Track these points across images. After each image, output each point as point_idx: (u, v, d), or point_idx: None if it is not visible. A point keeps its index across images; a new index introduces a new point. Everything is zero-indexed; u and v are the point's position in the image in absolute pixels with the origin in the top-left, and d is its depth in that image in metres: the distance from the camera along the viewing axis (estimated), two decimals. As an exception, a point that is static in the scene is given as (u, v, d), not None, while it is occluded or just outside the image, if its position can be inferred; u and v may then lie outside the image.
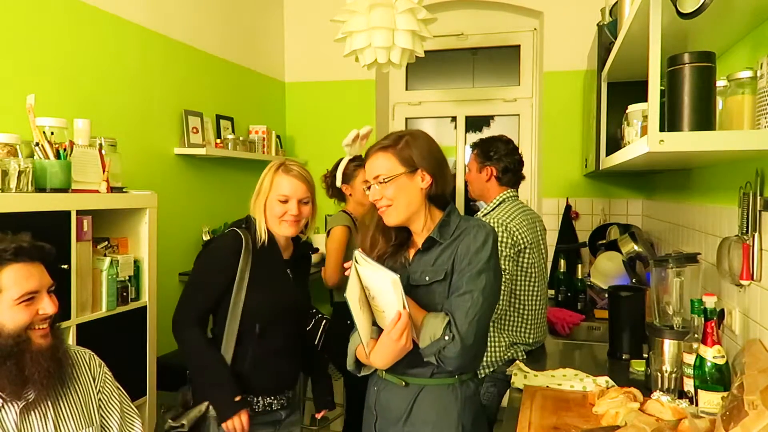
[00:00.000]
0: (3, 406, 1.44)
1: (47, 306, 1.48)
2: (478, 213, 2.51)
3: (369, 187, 1.68)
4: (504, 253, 2.29)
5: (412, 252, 1.70)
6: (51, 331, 1.51)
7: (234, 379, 1.94)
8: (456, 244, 1.63)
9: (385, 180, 1.62)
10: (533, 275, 2.40)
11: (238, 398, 1.92)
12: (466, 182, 2.67)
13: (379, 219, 1.69)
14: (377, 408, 1.73)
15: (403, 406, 1.65)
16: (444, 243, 1.64)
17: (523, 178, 2.59)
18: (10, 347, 1.42)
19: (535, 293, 2.41)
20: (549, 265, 3.64)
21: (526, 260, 2.37)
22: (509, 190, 2.49)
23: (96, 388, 1.65)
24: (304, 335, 2.16)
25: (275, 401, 2.03)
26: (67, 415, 1.56)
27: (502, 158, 2.47)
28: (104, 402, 1.67)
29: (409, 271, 1.66)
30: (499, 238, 2.30)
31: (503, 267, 2.26)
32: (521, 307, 2.39)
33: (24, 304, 1.44)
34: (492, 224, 2.32)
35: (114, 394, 1.70)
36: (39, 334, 1.47)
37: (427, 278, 1.63)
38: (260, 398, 2.01)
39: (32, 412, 1.49)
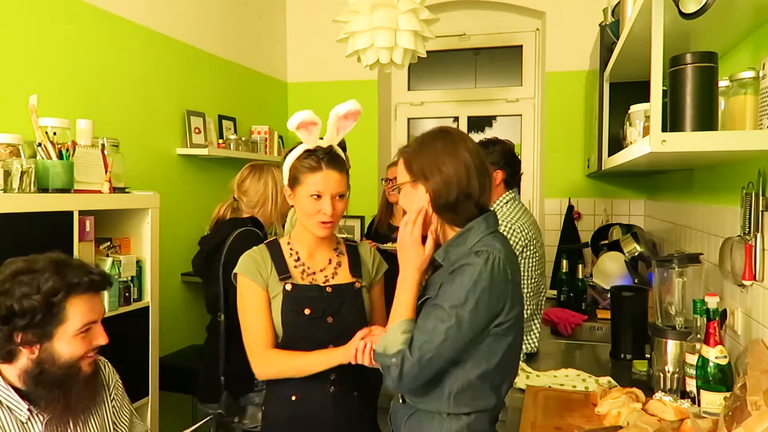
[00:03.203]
0: (30, 419, 1.44)
1: (101, 338, 1.50)
2: None
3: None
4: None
5: None
6: (95, 358, 1.53)
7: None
8: (454, 271, 1.44)
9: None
10: (528, 277, 2.41)
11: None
12: None
13: None
14: (391, 419, 1.69)
15: (400, 424, 1.60)
16: (445, 265, 1.49)
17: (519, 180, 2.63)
18: (61, 375, 1.43)
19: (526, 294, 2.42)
20: (551, 265, 3.65)
21: (526, 260, 2.38)
22: (508, 193, 2.50)
23: (110, 396, 1.64)
24: None
25: None
26: (89, 428, 1.55)
27: (508, 163, 2.49)
28: (116, 410, 1.66)
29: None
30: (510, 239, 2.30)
31: None
32: None
33: (81, 336, 1.44)
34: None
35: (124, 402, 1.70)
36: (87, 362, 1.49)
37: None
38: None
39: (57, 426, 1.48)
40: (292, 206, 1.82)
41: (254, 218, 2.43)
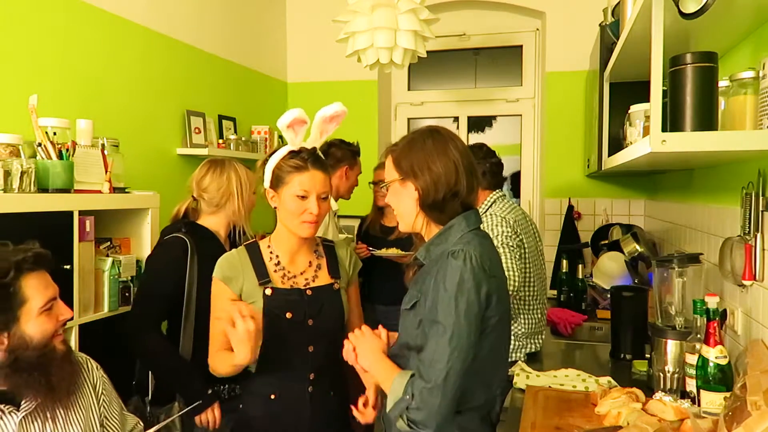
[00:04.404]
0: (2, 417, 1.40)
1: (65, 311, 1.47)
2: None
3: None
4: (509, 243, 2.30)
5: None
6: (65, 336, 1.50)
7: (201, 375, 1.96)
8: (435, 269, 1.45)
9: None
10: (530, 273, 2.40)
11: (209, 391, 1.99)
12: None
13: None
14: (384, 419, 1.71)
15: (393, 423, 1.55)
16: (427, 264, 1.50)
17: (504, 179, 2.61)
18: (36, 358, 1.40)
19: (533, 293, 2.41)
20: (551, 265, 3.64)
21: (525, 256, 2.38)
22: (496, 192, 2.50)
23: (97, 393, 1.62)
24: None
25: (238, 386, 2.02)
26: (70, 424, 1.51)
27: (479, 162, 2.48)
28: (106, 405, 1.63)
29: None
30: (502, 230, 2.30)
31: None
32: (519, 309, 2.39)
33: (46, 313, 1.42)
34: (490, 218, 2.34)
35: (113, 397, 1.67)
36: (59, 340, 1.46)
37: (406, 304, 1.54)
38: (226, 385, 2.07)
39: (33, 424, 1.44)
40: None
41: (193, 223, 2.19)
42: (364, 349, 1.55)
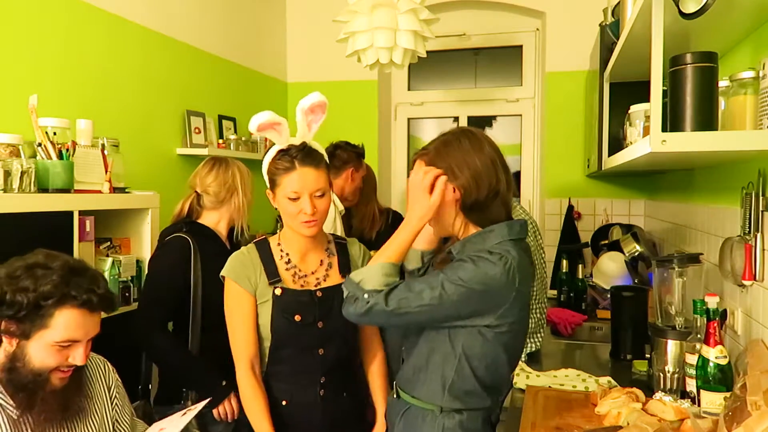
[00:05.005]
0: (19, 417, 1.42)
1: (78, 357, 1.46)
2: None
3: None
4: None
5: None
6: (71, 375, 1.49)
7: (213, 368, 1.97)
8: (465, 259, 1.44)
9: None
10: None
11: (224, 383, 1.96)
12: None
13: None
14: (386, 416, 1.70)
15: (395, 420, 1.61)
16: (458, 258, 1.47)
17: None
18: (27, 381, 1.41)
19: (532, 293, 2.41)
20: (552, 265, 3.64)
21: None
22: None
23: (111, 395, 1.63)
24: None
25: None
26: (86, 424, 1.54)
27: None
28: (119, 408, 1.65)
29: None
30: None
31: None
32: None
33: (57, 348, 1.42)
34: None
35: (125, 401, 1.68)
36: (58, 377, 1.46)
37: None
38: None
39: (50, 420, 1.46)
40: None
41: (194, 222, 2.21)
42: (421, 206, 1.47)
